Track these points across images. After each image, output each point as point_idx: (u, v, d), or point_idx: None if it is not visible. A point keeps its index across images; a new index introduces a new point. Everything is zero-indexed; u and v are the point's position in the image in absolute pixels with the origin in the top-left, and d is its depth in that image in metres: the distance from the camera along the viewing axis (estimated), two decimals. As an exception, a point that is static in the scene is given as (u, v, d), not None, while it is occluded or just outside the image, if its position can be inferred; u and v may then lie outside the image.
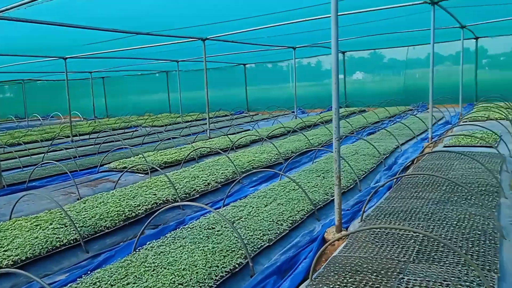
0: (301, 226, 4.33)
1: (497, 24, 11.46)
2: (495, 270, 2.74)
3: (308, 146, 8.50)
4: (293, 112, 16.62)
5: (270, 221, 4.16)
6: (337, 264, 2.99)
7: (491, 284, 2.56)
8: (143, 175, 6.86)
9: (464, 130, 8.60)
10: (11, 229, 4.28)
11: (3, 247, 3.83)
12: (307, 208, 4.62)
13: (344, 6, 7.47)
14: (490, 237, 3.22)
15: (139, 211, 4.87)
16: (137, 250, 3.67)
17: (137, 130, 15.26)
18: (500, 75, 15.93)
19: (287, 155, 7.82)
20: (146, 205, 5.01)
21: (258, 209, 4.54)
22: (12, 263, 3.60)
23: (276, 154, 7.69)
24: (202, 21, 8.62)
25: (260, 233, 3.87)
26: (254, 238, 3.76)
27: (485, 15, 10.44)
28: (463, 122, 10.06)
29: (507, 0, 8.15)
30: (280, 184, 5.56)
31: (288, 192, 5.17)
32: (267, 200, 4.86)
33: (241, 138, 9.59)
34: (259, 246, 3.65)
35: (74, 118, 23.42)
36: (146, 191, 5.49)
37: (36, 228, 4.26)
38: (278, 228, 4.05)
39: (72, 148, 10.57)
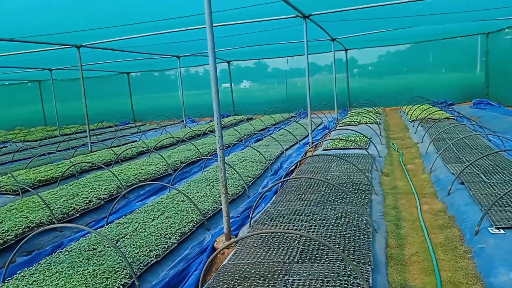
0: (191, 238, 4.26)
1: (362, 37, 12.75)
2: (369, 263, 2.98)
3: (198, 156, 8.45)
4: (182, 121, 16.43)
5: (158, 236, 4.01)
6: (226, 273, 2.99)
7: (366, 276, 2.78)
8: (13, 196, 6.14)
9: (340, 134, 9.36)
10: None
11: None
12: (197, 218, 4.56)
13: (221, 17, 7.59)
14: (364, 232, 3.52)
15: (7, 237, 4.34)
16: (6, 281, 3.27)
17: (6, 147, 13.64)
18: (368, 83, 17.74)
19: (177, 165, 7.67)
20: (16, 230, 4.48)
21: (145, 224, 4.35)
22: None
23: (165, 165, 7.49)
24: (76, 27, 8.04)
25: (146, 249, 3.70)
26: (140, 256, 3.58)
27: (352, 29, 11.51)
28: (339, 127, 10.95)
29: (370, 16, 9.06)
30: (168, 196, 5.41)
31: (177, 203, 5.06)
32: (154, 214, 4.69)
33: (126, 150, 9.15)
34: (145, 263, 3.49)
35: None
36: (16, 214, 4.92)
37: None
38: (167, 242, 3.92)
39: None
